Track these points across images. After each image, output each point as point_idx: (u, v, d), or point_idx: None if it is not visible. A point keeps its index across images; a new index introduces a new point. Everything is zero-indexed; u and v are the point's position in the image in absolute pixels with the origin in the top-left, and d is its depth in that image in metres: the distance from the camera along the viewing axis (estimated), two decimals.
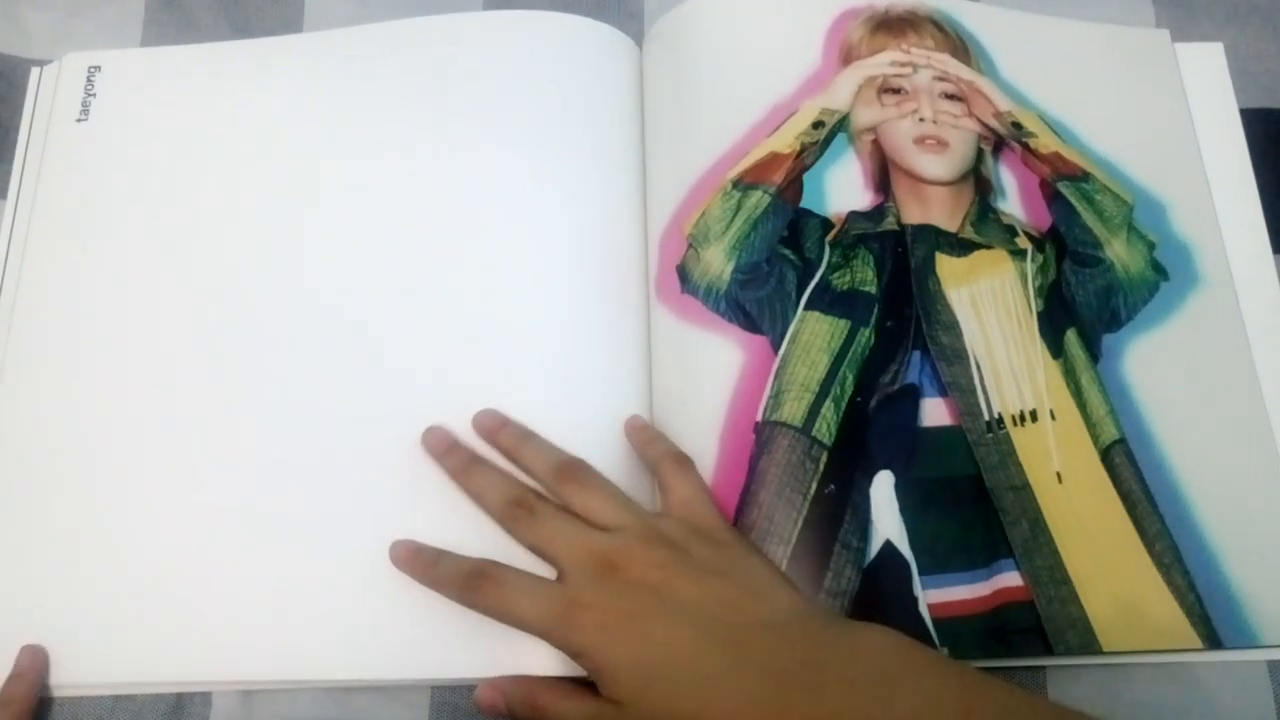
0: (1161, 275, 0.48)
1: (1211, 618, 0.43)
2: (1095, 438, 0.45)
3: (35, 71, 0.52)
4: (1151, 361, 0.47)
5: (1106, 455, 0.45)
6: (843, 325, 0.46)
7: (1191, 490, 0.45)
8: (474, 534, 0.42)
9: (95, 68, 0.52)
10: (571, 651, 0.37)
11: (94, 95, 0.51)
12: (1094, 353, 0.47)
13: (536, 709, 0.38)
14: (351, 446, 0.44)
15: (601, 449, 0.44)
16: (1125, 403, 0.46)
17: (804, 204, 0.47)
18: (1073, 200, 0.49)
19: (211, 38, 0.53)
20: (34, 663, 0.41)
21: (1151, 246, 0.49)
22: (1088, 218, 0.49)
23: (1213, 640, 0.43)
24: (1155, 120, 0.51)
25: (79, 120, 0.50)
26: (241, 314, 0.47)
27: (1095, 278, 0.48)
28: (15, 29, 0.54)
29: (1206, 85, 0.52)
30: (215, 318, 0.47)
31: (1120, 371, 0.47)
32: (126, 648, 0.42)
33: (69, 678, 0.42)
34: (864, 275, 0.47)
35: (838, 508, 0.43)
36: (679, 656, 0.36)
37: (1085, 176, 0.49)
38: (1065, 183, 0.49)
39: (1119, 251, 0.48)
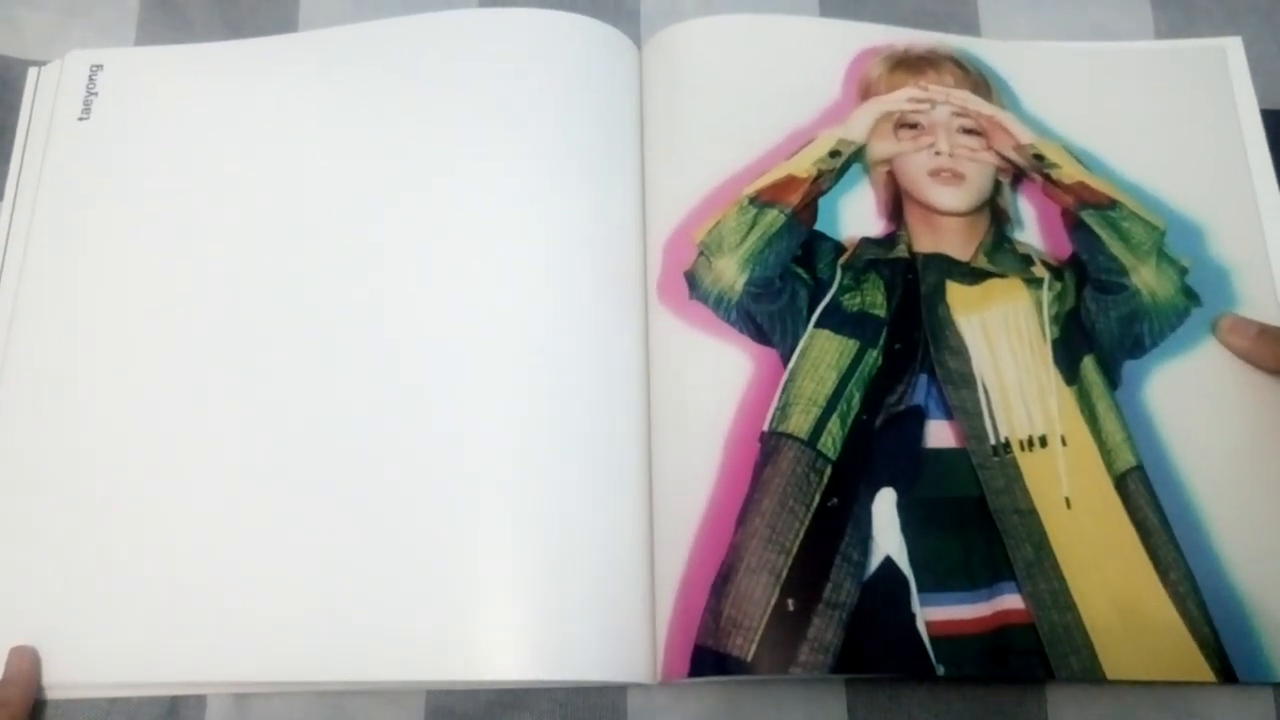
0: (1193, 301, 0.48)
1: (1226, 650, 0.42)
2: (1109, 464, 0.45)
3: (33, 71, 0.52)
4: (1177, 388, 0.46)
5: (1121, 482, 0.45)
6: (851, 345, 0.47)
7: (1212, 520, 0.44)
8: (470, 533, 0.43)
9: (97, 66, 0.52)
10: None
11: (95, 94, 0.51)
12: (1113, 379, 0.47)
13: None
14: (346, 448, 0.44)
15: (598, 452, 0.45)
16: (1145, 429, 0.46)
17: (818, 227, 0.49)
18: (1097, 229, 0.49)
19: (206, 37, 0.54)
20: (24, 664, 0.41)
21: (1184, 272, 0.48)
22: (1113, 246, 0.49)
23: (1226, 673, 0.42)
24: (1196, 141, 0.51)
25: (80, 119, 0.51)
26: (239, 313, 0.47)
27: (1119, 304, 0.48)
28: (11, 29, 0.54)
29: (1225, 84, 0.52)
30: (213, 317, 0.47)
31: (1141, 398, 0.46)
32: (120, 649, 0.42)
33: (62, 679, 0.42)
34: (874, 298, 0.48)
35: (839, 521, 0.44)
36: None
37: (1112, 205, 0.49)
38: (1090, 211, 0.49)
39: (1146, 278, 0.48)
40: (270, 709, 0.43)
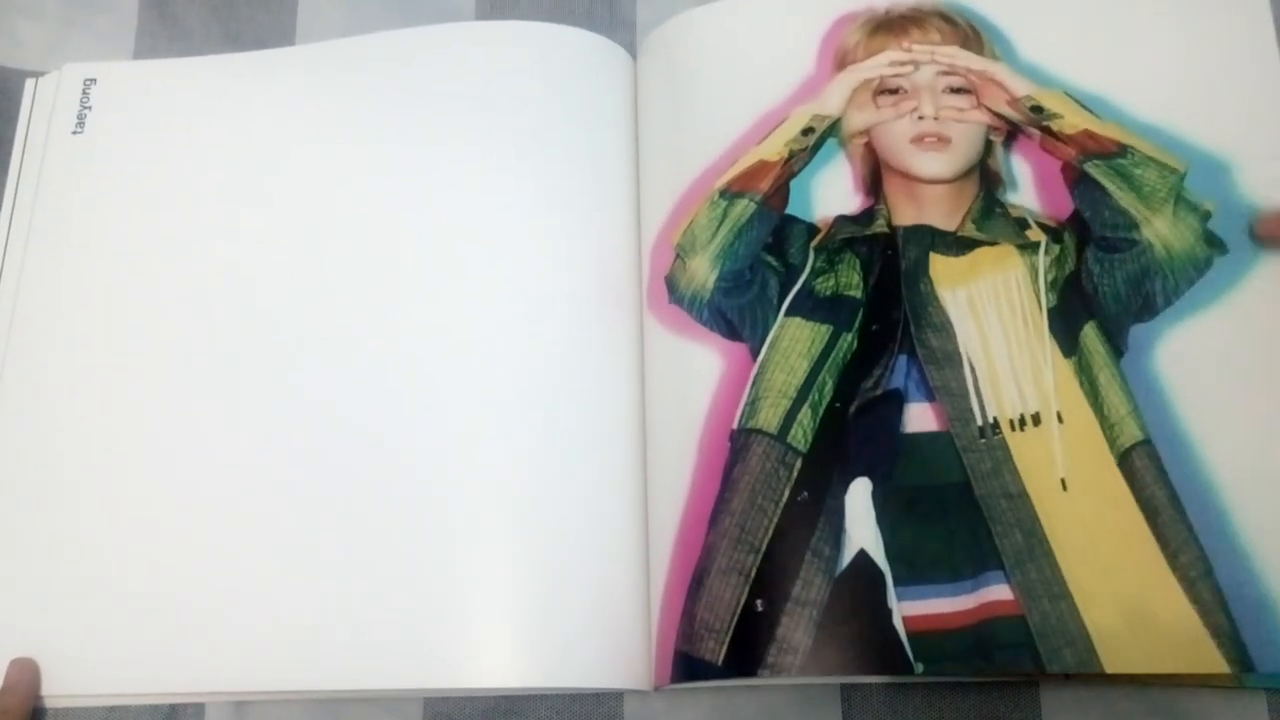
0: (1217, 249, 0.44)
1: (1244, 638, 0.38)
2: (1112, 440, 0.42)
3: (30, 83, 0.52)
4: (1193, 350, 0.42)
5: (1125, 459, 0.41)
6: (824, 330, 0.45)
7: (1229, 497, 0.40)
8: (466, 541, 0.44)
9: (90, 80, 0.52)
10: None
11: (89, 108, 0.51)
12: (1117, 347, 0.43)
13: None
14: (344, 455, 0.45)
15: (593, 459, 0.45)
16: (1155, 399, 0.42)
17: (790, 210, 0.47)
18: (1103, 180, 0.45)
19: (204, 47, 0.53)
20: (23, 675, 0.41)
21: (1206, 217, 0.44)
22: (1122, 197, 0.45)
23: (1244, 663, 0.38)
24: (1223, 68, 0.46)
25: (74, 132, 0.51)
26: (235, 326, 0.47)
27: (1126, 263, 0.44)
28: (8, 39, 0.53)
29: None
30: (209, 330, 0.47)
31: (1150, 365, 0.43)
32: (119, 658, 0.42)
33: (61, 687, 0.42)
34: (849, 279, 0.46)
35: (811, 515, 0.42)
36: None
37: (1122, 151, 0.45)
38: (1095, 163, 0.45)
39: (1160, 230, 0.44)
40: (269, 717, 0.43)
